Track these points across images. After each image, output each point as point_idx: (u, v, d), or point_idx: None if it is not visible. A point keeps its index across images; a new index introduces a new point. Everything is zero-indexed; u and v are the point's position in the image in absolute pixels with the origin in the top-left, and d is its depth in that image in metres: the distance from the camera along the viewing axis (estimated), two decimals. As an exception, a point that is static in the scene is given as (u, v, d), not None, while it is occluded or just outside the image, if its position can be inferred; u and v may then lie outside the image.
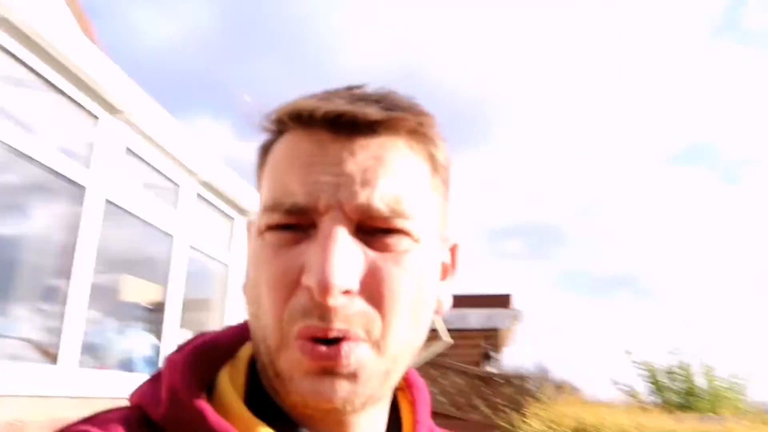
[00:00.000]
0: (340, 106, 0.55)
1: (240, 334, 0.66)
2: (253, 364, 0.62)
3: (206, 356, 0.61)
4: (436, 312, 0.63)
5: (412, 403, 0.66)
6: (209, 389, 0.59)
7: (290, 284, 0.53)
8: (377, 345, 0.54)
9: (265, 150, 0.61)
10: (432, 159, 0.60)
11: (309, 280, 0.51)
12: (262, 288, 0.55)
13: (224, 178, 4.89)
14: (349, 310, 0.52)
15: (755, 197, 36.43)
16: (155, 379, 0.60)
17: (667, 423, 6.92)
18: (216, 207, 5.06)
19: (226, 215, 5.24)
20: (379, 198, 0.54)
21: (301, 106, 0.56)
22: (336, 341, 0.52)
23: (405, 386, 0.67)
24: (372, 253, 0.54)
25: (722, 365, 12.83)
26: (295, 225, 0.55)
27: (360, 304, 0.53)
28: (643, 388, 13.20)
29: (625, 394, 13.02)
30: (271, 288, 0.54)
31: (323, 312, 0.51)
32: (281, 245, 0.55)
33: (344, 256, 0.52)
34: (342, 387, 0.52)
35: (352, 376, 0.53)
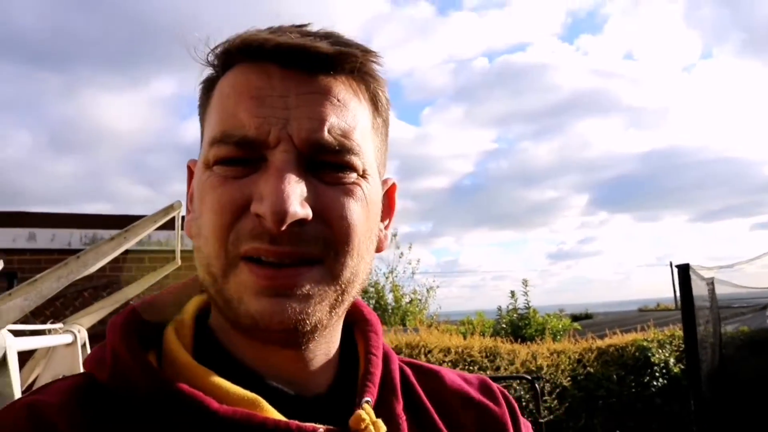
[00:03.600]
0: (292, 39, 0.55)
1: (184, 290, 0.67)
2: (200, 315, 0.63)
3: (147, 314, 0.61)
4: (378, 250, 0.64)
5: (365, 337, 0.68)
6: (159, 345, 0.60)
7: (236, 210, 0.54)
8: (330, 269, 0.56)
9: (210, 85, 0.61)
10: (375, 99, 0.61)
11: (261, 208, 0.52)
12: (204, 216, 0.56)
13: None
14: (302, 235, 0.53)
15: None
16: (103, 344, 0.60)
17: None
18: None
19: None
20: (329, 132, 0.54)
21: (252, 38, 0.56)
22: (286, 265, 0.54)
23: (358, 320, 0.70)
24: (322, 185, 0.55)
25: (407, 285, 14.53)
26: (244, 158, 0.55)
27: (314, 229, 0.54)
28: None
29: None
30: (215, 213, 0.54)
31: (274, 236, 0.52)
32: (228, 176, 0.55)
33: (296, 187, 0.52)
34: (293, 308, 0.53)
35: (304, 298, 0.54)
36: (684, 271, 6.13)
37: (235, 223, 0.54)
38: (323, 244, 0.55)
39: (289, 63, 0.55)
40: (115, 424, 0.54)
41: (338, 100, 0.56)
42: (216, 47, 0.60)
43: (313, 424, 0.55)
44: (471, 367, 6.48)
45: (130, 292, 4.02)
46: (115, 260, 5.80)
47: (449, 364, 6.52)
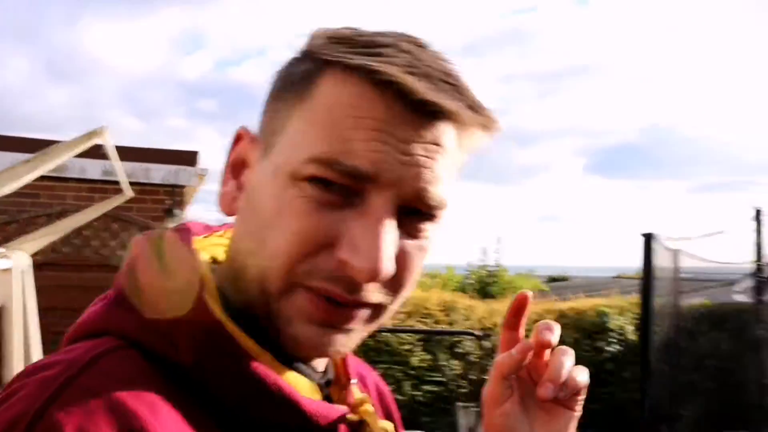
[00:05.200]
0: (431, 91, 0.52)
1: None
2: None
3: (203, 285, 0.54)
4: None
5: None
6: None
7: (318, 245, 0.52)
8: (378, 312, 0.57)
9: (307, 79, 0.54)
10: (470, 153, 0.59)
11: (354, 261, 0.51)
12: (279, 233, 0.53)
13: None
14: (373, 287, 0.54)
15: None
16: (126, 307, 0.53)
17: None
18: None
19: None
20: (435, 188, 0.54)
21: (400, 78, 0.51)
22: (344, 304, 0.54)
23: None
24: (404, 238, 0.55)
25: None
26: (342, 187, 0.52)
27: (386, 281, 0.54)
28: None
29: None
30: (296, 240, 0.52)
31: (354, 286, 0.52)
32: (321, 204, 0.52)
33: (392, 244, 0.52)
34: (338, 340, 0.55)
35: (349, 332, 0.56)
36: (648, 239, 6.13)
37: (312, 256, 0.52)
38: (388, 294, 0.56)
39: (418, 109, 0.52)
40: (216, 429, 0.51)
41: (448, 155, 0.54)
42: (327, 40, 0.54)
43: (341, 407, 0.58)
44: (426, 320, 6.54)
45: (77, 220, 4.03)
46: (78, 189, 5.78)
47: (405, 315, 6.58)
